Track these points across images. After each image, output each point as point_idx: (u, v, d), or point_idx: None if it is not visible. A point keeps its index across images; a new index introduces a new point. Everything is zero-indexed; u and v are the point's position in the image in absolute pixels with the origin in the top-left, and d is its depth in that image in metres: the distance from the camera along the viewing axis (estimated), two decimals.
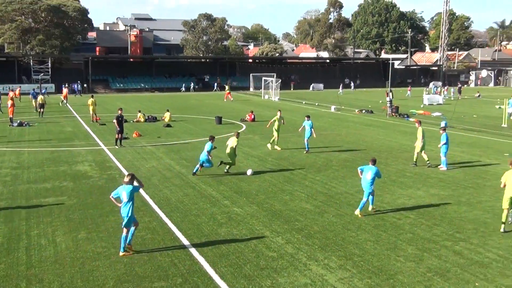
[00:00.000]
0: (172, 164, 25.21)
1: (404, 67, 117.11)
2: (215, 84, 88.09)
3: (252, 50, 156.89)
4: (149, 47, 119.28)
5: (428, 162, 24.63)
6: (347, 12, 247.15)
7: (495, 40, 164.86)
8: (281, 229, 15.59)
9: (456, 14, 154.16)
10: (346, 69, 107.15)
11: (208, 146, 22.29)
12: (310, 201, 18.71)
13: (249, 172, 23.03)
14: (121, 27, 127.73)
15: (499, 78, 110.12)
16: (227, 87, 69.76)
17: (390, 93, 51.33)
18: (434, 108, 54.69)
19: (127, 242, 13.58)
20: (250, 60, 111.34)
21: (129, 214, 13.34)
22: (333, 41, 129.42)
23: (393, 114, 47.73)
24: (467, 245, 14.23)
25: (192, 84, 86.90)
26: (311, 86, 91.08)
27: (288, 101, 65.03)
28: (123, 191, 13.41)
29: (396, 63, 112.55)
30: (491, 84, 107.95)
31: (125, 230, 13.46)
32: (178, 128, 38.54)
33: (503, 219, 15.56)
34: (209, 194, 19.68)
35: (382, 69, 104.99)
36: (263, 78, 73.71)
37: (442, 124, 38.89)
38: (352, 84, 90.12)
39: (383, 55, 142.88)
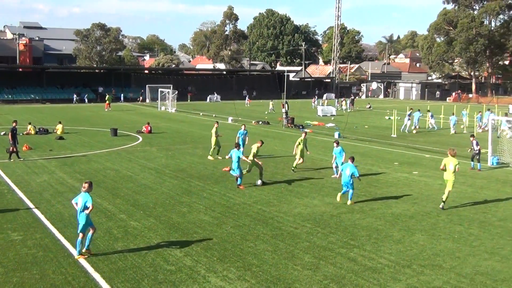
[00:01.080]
0: (65, 178, 24.29)
1: (299, 79, 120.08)
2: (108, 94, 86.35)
3: (148, 61, 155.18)
4: (39, 56, 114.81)
5: (293, 168, 26.47)
6: (243, 24, 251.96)
7: (384, 54, 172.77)
8: (180, 241, 15.38)
9: (348, 28, 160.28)
10: (243, 81, 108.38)
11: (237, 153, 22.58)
12: (209, 212, 18.62)
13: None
14: (9, 36, 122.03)
15: (388, 90, 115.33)
16: (107, 97, 70.81)
17: (286, 105, 52.32)
18: (328, 120, 56.29)
19: (85, 247, 13.97)
20: (146, 71, 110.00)
21: (85, 220, 13.76)
22: (229, 53, 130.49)
23: (289, 125, 48.68)
24: (361, 252, 14.64)
25: (87, 95, 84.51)
26: (208, 97, 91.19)
27: (186, 113, 64.73)
28: (79, 198, 13.89)
29: (291, 75, 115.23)
30: (381, 96, 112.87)
31: (81, 234, 13.81)
32: (71, 141, 37.25)
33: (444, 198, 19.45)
34: (105, 208, 19.08)
35: (278, 81, 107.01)
36: (160, 89, 72.90)
37: (336, 135, 40.35)
38: (246, 96, 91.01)
39: (279, 67, 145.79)
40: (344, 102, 72.75)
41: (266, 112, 62.75)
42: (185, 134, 42.18)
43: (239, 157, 22.45)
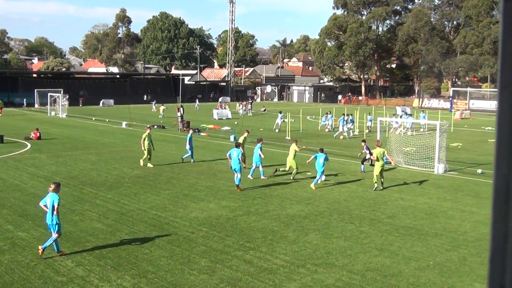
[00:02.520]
0: None
1: (194, 82, 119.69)
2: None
3: (36, 64, 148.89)
4: None
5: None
6: (136, 27, 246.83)
7: (278, 58, 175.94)
8: (71, 251, 14.84)
9: (242, 32, 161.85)
10: (137, 85, 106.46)
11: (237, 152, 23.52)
12: (102, 220, 18.10)
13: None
14: None
15: (283, 93, 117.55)
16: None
17: (181, 109, 51.97)
18: (223, 123, 56.51)
19: (43, 246, 14.20)
20: (35, 75, 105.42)
21: (57, 221, 14.13)
22: (122, 56, 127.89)
23: (185, 129, 48.35)
24: (256, 254, 14.78)
25: None
26: (101, 102, 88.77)
27: (77, 118, 62.63)
28: (47, 199, 14.30)
29: (186, 78, 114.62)
30: (276, 99, 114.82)
31: (56, 234, 14.16)
32: None
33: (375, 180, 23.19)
34: None
35: (173, 84, 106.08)
36: (49, 94, 70.06)
37: (231, 138, 40.55)
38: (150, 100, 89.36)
39: (174, 71, 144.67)
40: (244, 105, 73.12)
41: (160, 116, 62.05)
42: (77, 140, 40.78)
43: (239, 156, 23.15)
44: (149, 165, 28.38)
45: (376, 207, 20.39)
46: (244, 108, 70.96)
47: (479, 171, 28.15)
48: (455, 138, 41.75)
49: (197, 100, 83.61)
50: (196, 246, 15.33)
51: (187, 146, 29.98)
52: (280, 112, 51.34)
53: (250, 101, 78.70)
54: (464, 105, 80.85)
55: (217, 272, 13.34)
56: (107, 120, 59.40)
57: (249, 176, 25.21)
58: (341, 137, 44.43)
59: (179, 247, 15.23)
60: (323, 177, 24.16)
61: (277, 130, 48.89)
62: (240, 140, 27.13)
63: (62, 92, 68.92)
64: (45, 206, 14.41)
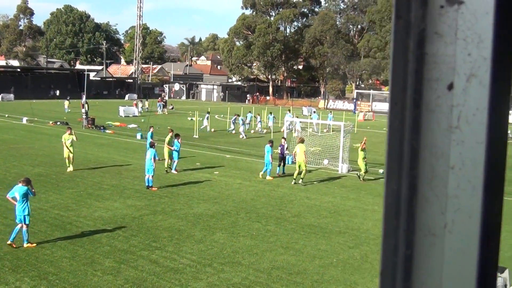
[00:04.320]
0: None
1: (99, 78, 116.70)
2: None
3: None
4: None
5: None
6: (39, 19, 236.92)
7: (186, 55, 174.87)
8: None
9: (150, 29, 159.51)
10: (40, 79, 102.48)
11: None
12: (0, 220, 17.31)
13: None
14: None
15: (191, 91, 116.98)
16: None
17: (86, 105, 50.52)
18: (130, 120, 55.40)
19: (10, 239, 14.45)
20: None
21: (26, 212, 14.58)
22: (24, 49, 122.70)
23: (89, 126, 47.07)
24: (163, 253, 14.64)
25: None
26: (0, 96, 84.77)
27: None
28: (16, 192, 14.71)
29: (92, 74, 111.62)
30: (184, 97, 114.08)
31: (24, 225, 14.52)
32: None
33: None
34: None
35: (78, 80, 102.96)
36: None
37: (138, 136, 39.88)
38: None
39: (78, 66, 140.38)
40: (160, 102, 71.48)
41: (67, 112, 59.92)
42: None
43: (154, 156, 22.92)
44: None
45: (282, 206, 20.70)
46: (152, 105, 69.54)
47: (381, 171, 29.20)
48: (358, 139, 42.97)
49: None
50: (100, 246, 14.97)
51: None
52: (208, 112, 50.05)
53: (165, 100, 76.75)
54: (367, 107, 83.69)
55: (122, 272, 13.11)
56: (6, 115, 56.66)
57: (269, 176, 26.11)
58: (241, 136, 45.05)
59: (82, 247, 14.81)
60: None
61: (212, 130, 47.89)
62: (166, 140, 27.23)
63: None
64: (13, 198, 14.88)
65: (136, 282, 12.50)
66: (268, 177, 25.84)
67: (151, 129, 29.84)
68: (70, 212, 18.56)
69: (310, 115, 56.77)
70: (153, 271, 13.29)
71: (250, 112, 51.59)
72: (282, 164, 27.38)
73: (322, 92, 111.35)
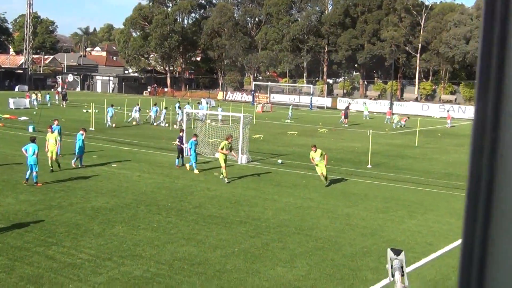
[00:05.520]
0: None
1: None
2: None
3: None
4: None
5: None
6: None
7: (80, 46, 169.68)
8: None
9: (41, 17, 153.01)
10: None
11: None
12: None
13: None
14: None
15: (86, 83, 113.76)
16: None
17: None
18: (21, 112, 53.06)
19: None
20: None
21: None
22: None
23: None
24: (60, 249, 14.23)
25: None
26: None
27: None
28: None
29: None
30: (78, 89, 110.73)
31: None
32: None
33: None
34: None
35: None
36: None
37: (30, 129, 38.32)
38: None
39: None
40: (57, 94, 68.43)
41: None
42: None
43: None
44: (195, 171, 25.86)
45: (183, 197, 20.63)
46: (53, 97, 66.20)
47: (279, 161, 29.79)
48: (257, 130, 43.69)
49: None
50: None
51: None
52: (112, 105, 48.19)
53: (64, 92, 72.83)
54: (265, 99, 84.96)
55: (16, 270, 12.67)
56: None
57: None
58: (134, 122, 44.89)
59: None
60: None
61: (134, 123, 47.50)
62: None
63: None
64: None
65: (32, 279, 12.10)
66: (195, 171, 25.56)
67: (56, 122, 28.63)
68: None
69: (212, 106, 56.95)
70: (50, 267, 12.91)
71: (156, 105, 51.07)
72: (180, 156, 27.27)
73: (220, 84, 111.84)
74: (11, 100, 59.71)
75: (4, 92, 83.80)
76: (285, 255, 14.42)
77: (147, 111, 50.22)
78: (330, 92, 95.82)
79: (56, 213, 17.70)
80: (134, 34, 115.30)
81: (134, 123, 47.71)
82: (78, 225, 16.46)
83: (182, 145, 27.32)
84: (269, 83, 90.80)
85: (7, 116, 49.28)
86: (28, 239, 14.92)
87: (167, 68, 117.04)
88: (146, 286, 11.98)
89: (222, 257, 14.12)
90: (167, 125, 46.84)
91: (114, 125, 45.56)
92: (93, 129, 42.06)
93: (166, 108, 49.18)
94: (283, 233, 16.47)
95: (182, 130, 29.10)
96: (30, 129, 39.16)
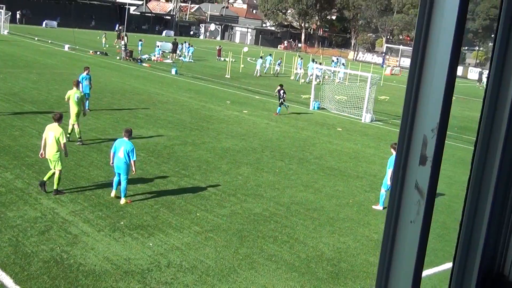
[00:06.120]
0: None
1: (139, 13, 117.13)
2: None
3: None
4: None
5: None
6: None
7: None
8: (10, 164, 15.29)
9: None
10: (82, 9, 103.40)
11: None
12: (41, 137, 18.37)
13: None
14: None
15: (226, 33, 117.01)
16: None
17: (126, 38, 51.38)
18: (166, 55, 55.97)
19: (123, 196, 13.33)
20: None
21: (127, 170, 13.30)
22: None
23: (127, 58, 48.12)
24: (191, 181, 15.62)
25: None
26: (44, 22, 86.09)
27: (19, 36, 60.76)
28: (122, 147, 13.17)
29: (132, 8, 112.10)
30: (218, 38, 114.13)
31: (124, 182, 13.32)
32: None
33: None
34: None
35: (119, 13, 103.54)
36: None
37: (173, 71, 40.81)
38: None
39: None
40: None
41: (106, 45, 60.38)
42: (18, 58, 40.11)
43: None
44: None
45: (305, 148, 21.55)
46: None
47: None
48: (383, 92, 43.45)
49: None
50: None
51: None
52: (261, 57, 49.66)
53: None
54: (395, 62, 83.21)
55: (153, 194, 14.09)
56: (49, 41, 58.03)
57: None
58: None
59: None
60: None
61: (258, 75, 47.98)
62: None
63: (4, 8, 66.27)
64: (113, 154, 13.33)
65: (165, 204, 13.48)
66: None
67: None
68: (107, 136, 19.67)
69: (342, 64, 56.84)
70: (181, 195, 14.25)
71: (270, 55, 52.10)
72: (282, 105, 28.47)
73: (352, 44, 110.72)
74: (158, 44, 63.00)
75: (154, 35, 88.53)
76: None
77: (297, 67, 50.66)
78: (461, 61, 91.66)
79: (190, 149, 19.32)
80: None
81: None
82: (208, 162, 17.92)
83: (281, 95, 28.22)
84: (401, 47, 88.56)
85: (154, 58, 52.38)
86: (164, 169, 16.53)
87: (302, 25, 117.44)
88: (264, 223, 12.95)
89: (337, 206, 14.85)
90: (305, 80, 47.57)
91: (259, 75, 47.28)
92: (228, 76, 43.91)
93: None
94: None
95: (281, 85, 29.20)
96: (173, 71, 41.71)
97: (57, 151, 13.27)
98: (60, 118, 13.67)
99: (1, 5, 67.27)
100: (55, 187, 13.42)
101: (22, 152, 16.55)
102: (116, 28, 51.35)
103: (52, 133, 13.30)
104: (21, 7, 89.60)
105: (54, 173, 13.38)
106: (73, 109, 18.37)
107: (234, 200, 14.37)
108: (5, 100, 24.05)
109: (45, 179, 13.48)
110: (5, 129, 19.08)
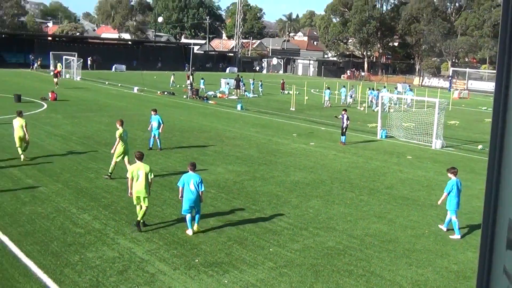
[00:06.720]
0: None
1: (203, 52, 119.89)
2: (34, 61, 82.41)
3: (52, 28, 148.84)
4: None
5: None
6: None
7: (284, 31, 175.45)
8: (88, 206, 15.75)
9: (250, 5, 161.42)
10: (148, 52, 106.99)
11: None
12: (116, 178, 18.93)
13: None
14: None
15: (288, 66, 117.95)
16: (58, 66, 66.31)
17: (191, 77, 52.61)
18: (231, 91, 56.62)
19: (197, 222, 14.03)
20: (50, 38, 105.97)
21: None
22: (134, 23, 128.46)
23: (194, 96, 49.18)
24: (262, 216, 15.58)
25: None
26: (113, 66, 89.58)
27: (91, 81, 63.24)
28: (191, 179, 13.74)
29: (196, 48, 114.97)
30: (281, 71, 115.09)
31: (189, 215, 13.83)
32: None
33: None
34: (10, 173, 19.01)
35: (184, 53, 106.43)
36: (64, 57, 70.68)
37: (238, 107, 41.32)
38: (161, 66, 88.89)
39: (184, 40, 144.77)
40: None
41: (174, 84, 61.93)
42: (91, 102, 41.80)
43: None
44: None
45: (375, 177, 21.23)
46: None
47: (480, 146, 29.15)
48: (452, 116, 42.49)
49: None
50: (204, 206, 15.66)
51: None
52: (329, 88, 50.20)
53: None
54: (463, 85, 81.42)
55: (225, 231, 14.13)
56: (119, 84, 60.17)
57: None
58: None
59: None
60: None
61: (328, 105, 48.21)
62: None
63: (76, 55, 69.44)
64: (182, 188, 13.70)
65: (238, 240, 13.46)
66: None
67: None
68: (177, 175, 19.93)
69: (408, 91, 56.15)
70: (253, 231, 14.21)
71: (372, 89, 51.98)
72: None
73: (417, 69, 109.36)
74: (223, 81, 64.06)
75: (218, 73, 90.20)
76: (476, 241, 14.28)
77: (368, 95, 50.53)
78: None
79: (259, 184, 19.37)
80: (334, 20, 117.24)
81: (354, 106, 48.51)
82: (278, 196, 17.89)
83: (344, 122, 28.07)
84: (468, 69, 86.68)
85: (219, 95, 53.30)
86: (235, 205, 16.59)
87: (364, 53, 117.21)
88: (338, 256, 12.74)
89: (412, 237, 14.41)
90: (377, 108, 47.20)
91: (329, 105, 47.41)
92: (293, 109, 44.09)
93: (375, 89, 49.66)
94: (475, 219, 16.33)
95: (345, 110, 29.29)
96: (239, 107, 42.24)
97: (146, 188, 13.93)
98: (142, 156, 14.49)
99: (73, 53, 70.40)
100: (140, 219, 14.04)
101: (98, 194, 17.04)
102: (186, 68, 53.68)
103: (142, 171, 13.97)
104: (91, 53, 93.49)
105: (143, 210, 14.05)
106: (120, 147, 19.10)
107: (306, 234, 14.24)
108: (80, 144, 24.97)
109: (139, 219, 14.03)
110: (81, 171, 19.76)
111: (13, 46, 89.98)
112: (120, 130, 19.18)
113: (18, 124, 21.01)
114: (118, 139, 19.09)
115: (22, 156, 20.86)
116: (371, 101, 48.94)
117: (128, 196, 14.50)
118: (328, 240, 13.81)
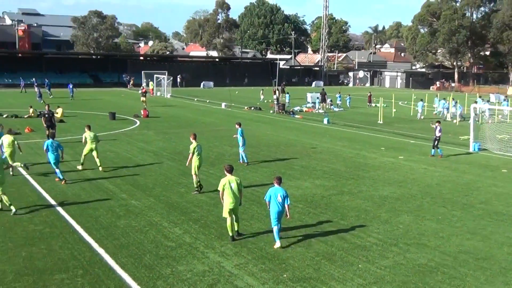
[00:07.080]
0: (67, 158, 24.49)
1: (289, 67, 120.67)
2: (128, 81, 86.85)
3: (143, 48, 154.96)
4: (37, 42, 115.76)
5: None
6: (234, 13, 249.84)
7: (370, 43, 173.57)
8: (179, 220, 16.14)
9: (335, 19, 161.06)
10: (235, 68, 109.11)
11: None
12: (205, 193, 19.32)
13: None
14: (8, 22, 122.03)
15: (375, 78, 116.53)
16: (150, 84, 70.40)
17: (277, 92, 53.03)
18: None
19: (277, 238, 14.12)
20: (142, 58, 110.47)
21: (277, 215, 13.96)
22: (221, 41, 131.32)
23: (280, 111, 49.50)
24: (350, 231, 15.38)
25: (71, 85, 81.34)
26: (202, 83, 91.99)
27: (180, 98, 65.28)
28: (278, 194, 13.99)
29: (282, 63, 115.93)
30: (367, 84, 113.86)
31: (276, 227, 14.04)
32: (72, 124, 37.80)
33: None
34: (106, 187, 19.85)
35: (270, 68, 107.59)
36: (155, 75, 73.42)
37: (325, 121, 41.18)
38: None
39: (269, 56, 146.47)
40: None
41: (262, 100, 62.72)
42: (181, 119, 43.11)
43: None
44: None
45: (468, 192, 20.49)
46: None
47: None
48: None
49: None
50: (292, 221, 15.79)
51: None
52: (422, 100, 49.76)
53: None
54: None
55: (313, 246, 14.05)
56: (207, 101, 61.66)
57: None
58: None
59: None
60: None
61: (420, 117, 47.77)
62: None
63: (167, 74, 71.96)
64: (269, 202, 14.04)
65: (326, 256, 13.34)
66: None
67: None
68: (264, 189, 20.00)
69: (502, 101, 53.99)
70: (342, 246, 14.05)
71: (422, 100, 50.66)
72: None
73: (510, 79, 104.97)
74: (308, 95, 64.12)
75: (304, 87, 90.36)
76: None
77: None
78: None
79: (347, 198, 19.17)
80: (421, 30, 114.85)
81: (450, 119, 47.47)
82: (366, 211, 17.63)
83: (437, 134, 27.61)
84: None
85: (306, 109, 53.36)
86: (323, 220, 16.46)
87: (454, 63, 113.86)
88: (430, 274, 12.37)
89: (509, 254, 13.78)
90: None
91: (422, 117, 46.66)
92: (381, 122, 43.45)
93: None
94: None
95: (438, 122, 28.84)
96: (325, 121, 42.11)
97: (238, 199, 14.56)
98: (232, 169, 14.90)
99: (164, 71, 72.86)
100: (237, 229, 14.74)
101: (188, 208, 17.44)
102: (273, 83, 54.95)
103: (234, 183, 14.45)
104: (181, 71, 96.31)
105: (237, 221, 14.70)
106: (195, 160, 19.36)
107: (397, 250, 13.93)
108: (171, 159, 25.69)
109: (234, 233, 14.57)
110: (172, 186, 20.31)
111: (108, 66, 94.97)
112: (193, 144, 19.52)
113: (7, 141, 21.17)
114: (191, 153, 19.43)
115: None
116: (441, 111, 48.49)
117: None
118: (419, 257, 13.46)
